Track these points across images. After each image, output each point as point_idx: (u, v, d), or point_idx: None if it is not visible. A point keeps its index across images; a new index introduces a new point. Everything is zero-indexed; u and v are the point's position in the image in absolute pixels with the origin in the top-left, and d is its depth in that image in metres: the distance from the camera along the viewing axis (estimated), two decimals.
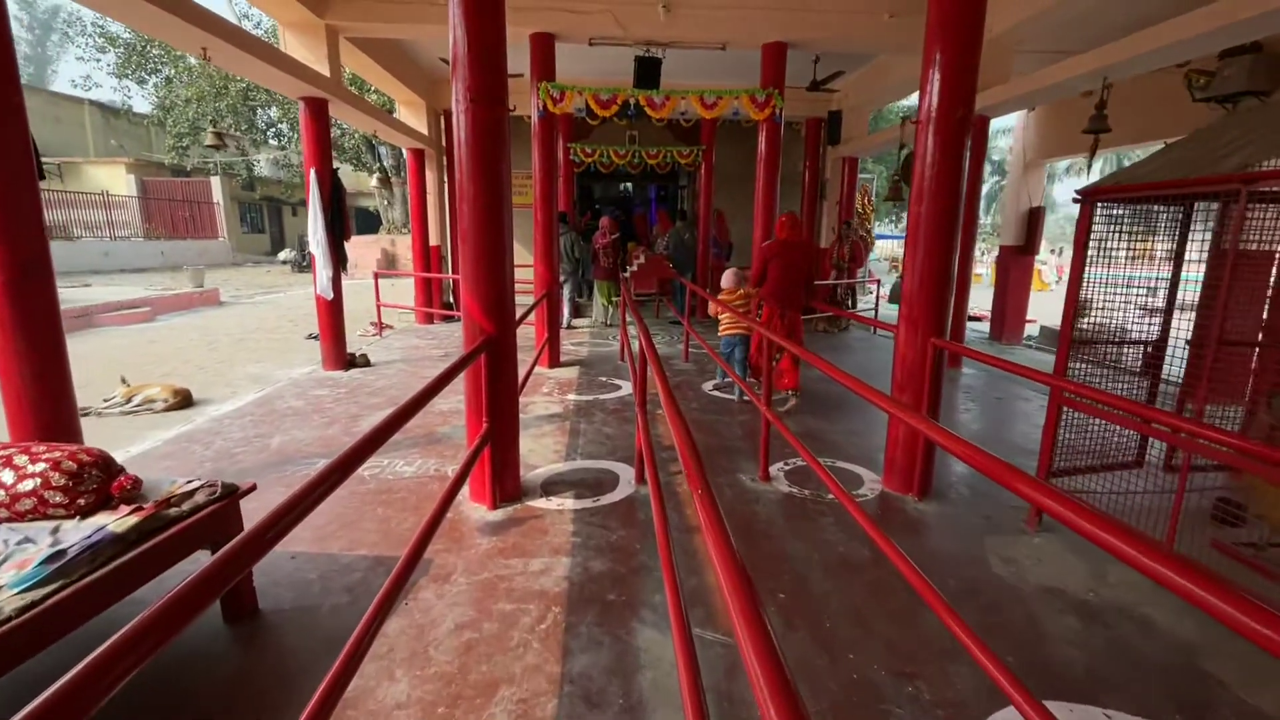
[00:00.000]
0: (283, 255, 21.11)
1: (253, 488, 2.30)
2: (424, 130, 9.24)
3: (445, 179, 10.00)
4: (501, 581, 2.56)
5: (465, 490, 3.34)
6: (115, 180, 21.63)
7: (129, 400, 5.29)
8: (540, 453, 4.08)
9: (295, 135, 20.83)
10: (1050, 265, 21.77)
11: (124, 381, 5.48)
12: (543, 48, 6.17)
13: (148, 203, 21.52)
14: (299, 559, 2.72)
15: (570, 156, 10.01)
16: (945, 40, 3.05)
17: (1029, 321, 10.16)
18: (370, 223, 32.00)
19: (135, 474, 2.08)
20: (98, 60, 21.58)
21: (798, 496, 3.44)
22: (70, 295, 10.35)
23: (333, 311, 6.37)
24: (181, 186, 22.25)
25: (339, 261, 6.37)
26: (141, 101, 22.21)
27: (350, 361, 6.60)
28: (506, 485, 3.29)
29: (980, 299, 16.28)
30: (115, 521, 1.88)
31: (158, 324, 9.72)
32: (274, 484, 3.53)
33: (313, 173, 6.04)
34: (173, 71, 20.99)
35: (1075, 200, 2.83)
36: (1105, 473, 3.20)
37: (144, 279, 15.66)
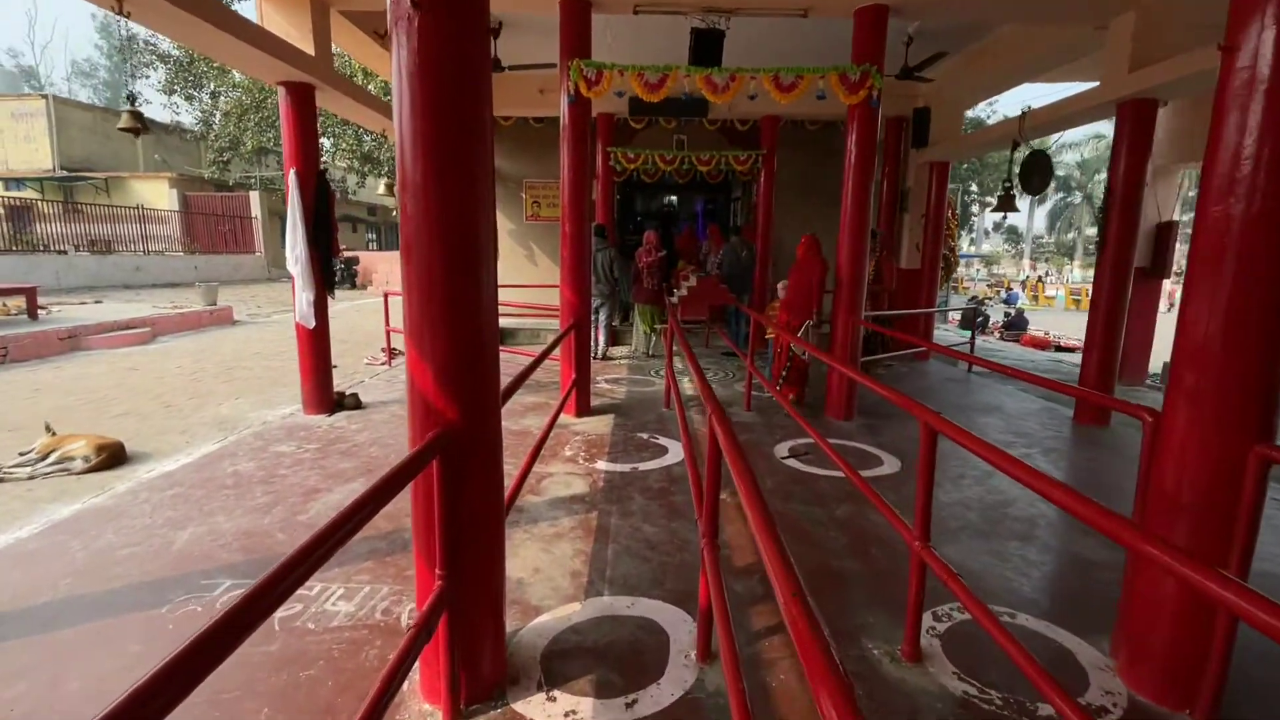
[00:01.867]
0: None
1: None
2: None
3: None
4: None
5: (415, 672, 2.01)
6: (158, 195, 21.59)
7: (45, 457, 4.19)
8: (549, 575, 2.72)
9: (335, 149, 20.39)
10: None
11: (49, 430, 4.39)
12: (576, 18, 4.93)
13: (189, 217, 21.36)
14: None
15: (610, 163, 8.80)
16: None
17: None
18: None
19: None
20: (147, 77, 21.73)
21: (984, 706, 1.98)
22: (70, 314, 9.62)
23: (315, 344, 5.21)
24: (221, 201, 22.07)
25: (324, 283, 5.21)
26: (189, 117, 22.30)
27: (337, 403, 5.42)
28: (481, 673, 1.94)
29: (1051, 322, 14.05)
30: None
31: (154, 347, 8.84)
32: (134, 635, 2.27)
33: (293, 174, 4.92)
34: (216, 86, 20.94)
35: None
36: None
37: (173, 294, 15.15)
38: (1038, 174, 6.19)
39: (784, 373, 5.69)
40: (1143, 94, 4.87)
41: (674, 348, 5.76)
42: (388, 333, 7.70)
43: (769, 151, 8.70)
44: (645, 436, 4.74)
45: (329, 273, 5.22)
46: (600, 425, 5.02)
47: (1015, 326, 15.28)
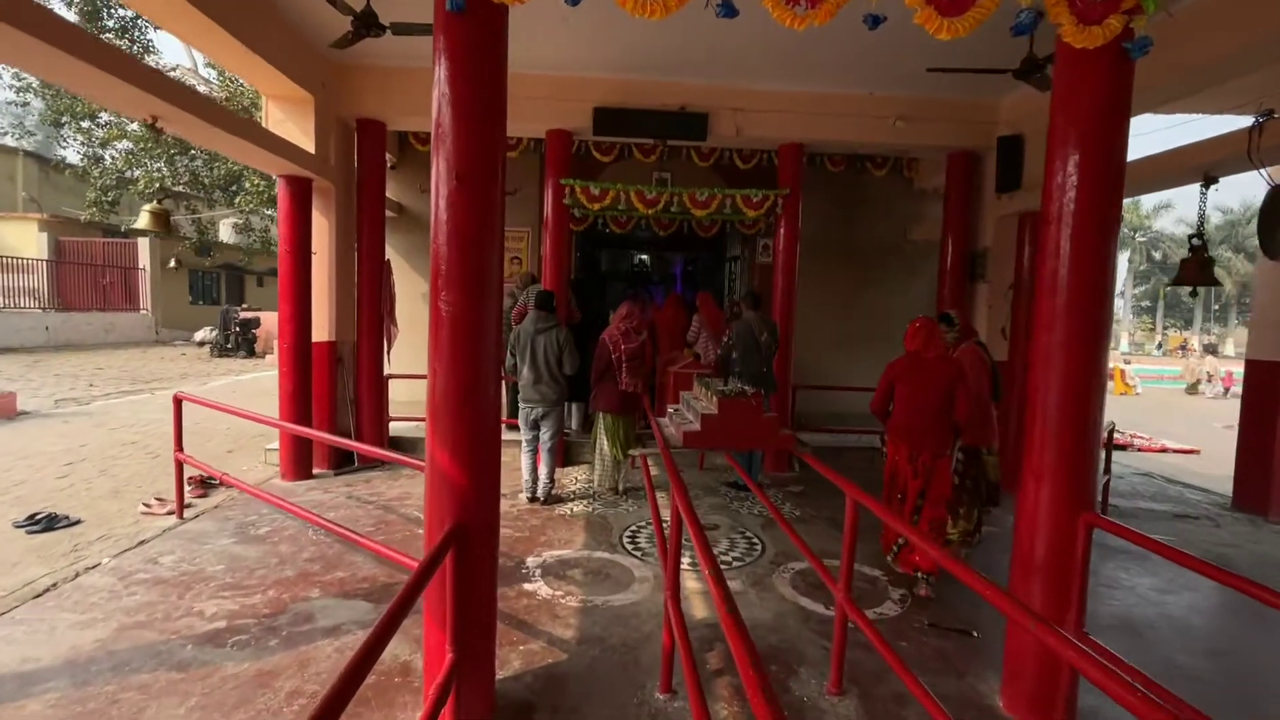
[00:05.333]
0: (199, 335, 17.02)
1: None
2: (309, 146, 5.31)
3: (355, 225, 5.99)
4: None
5: None
6: (25, 239, 17.99)
7: None
8: None
9: (258, 196, 17.21)
10: (1205, 368, 17.85)
11: None
12: None
13: (60, 267, 17.76)
14: None
15: (565, 200, 6.07)
16: None
17: None
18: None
19: None
20: (25, 105, 18.41)
21: None
22: None
23: None
24: (103, 249, 18.54)
25: None
26: (74, 153, 18.94)
27: None
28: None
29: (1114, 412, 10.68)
30: None
31: None
32: None
33: None
34: (113, 117, 17.77)
35: None
36: None
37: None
38: None
39: (901, 541, 3.59)
40: None
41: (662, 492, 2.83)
42: (178, 464, 4.56)
43: (793, 191, 6.13)
44: None
45: None
46: None
47: None
